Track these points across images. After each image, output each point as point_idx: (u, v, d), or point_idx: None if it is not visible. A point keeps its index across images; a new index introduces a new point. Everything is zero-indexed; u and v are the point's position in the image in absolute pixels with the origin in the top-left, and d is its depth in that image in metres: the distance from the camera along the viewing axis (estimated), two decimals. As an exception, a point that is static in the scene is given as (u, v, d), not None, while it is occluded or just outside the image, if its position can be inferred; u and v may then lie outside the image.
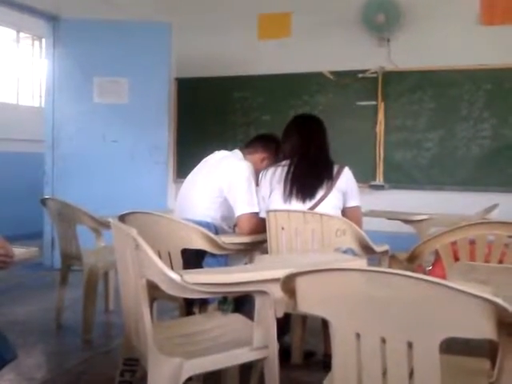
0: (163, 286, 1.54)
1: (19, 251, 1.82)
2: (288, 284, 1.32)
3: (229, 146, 2.93)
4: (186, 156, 5.60)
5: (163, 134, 4.95)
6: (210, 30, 5.86)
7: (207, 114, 5.95)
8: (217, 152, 2.79)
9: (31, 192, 4.93)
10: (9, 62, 6.74)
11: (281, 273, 1.34)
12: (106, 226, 2.80)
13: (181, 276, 1.51)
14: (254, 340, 1.66)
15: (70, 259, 3.18)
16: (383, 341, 1.17)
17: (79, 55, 4.69)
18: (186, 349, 1.73)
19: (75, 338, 3.03)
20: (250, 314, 2.08)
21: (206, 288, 1.54)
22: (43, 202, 3.36)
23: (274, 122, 5.49)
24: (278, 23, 5.74)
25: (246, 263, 2.61)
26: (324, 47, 5.54)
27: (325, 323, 2.39)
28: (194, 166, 2.79)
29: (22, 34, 6.86)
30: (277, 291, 1.41)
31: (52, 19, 4.74)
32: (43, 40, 6.47)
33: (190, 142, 5.88)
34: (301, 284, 1.29)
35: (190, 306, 2.32)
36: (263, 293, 1.62)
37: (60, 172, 4.72)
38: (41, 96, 6.81)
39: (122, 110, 4.77)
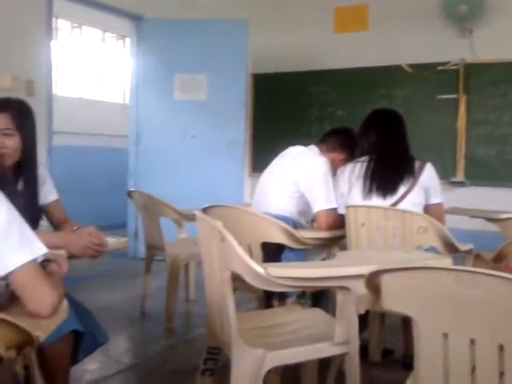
0: (247, 278, 1.58)
1: (111, 241, 1.93)
2: (372, 281, 1.33)
3: (303, 141, 2.91)
4: (262, 151, 5.67)
5: (240, 129, 5.02)
6: (286, 25, 5.88)
7: (282, 109, 5.99)
8: (292, 148, 2.79)
9: (115, 185, 5.17)
10: (96, 60, 7.09)
11: (365, 269, 1.34)
12: (189, 218, 2.90)
13: (265, 269, 1.55)
14: (336, 335, 1.68)
15: (154, 250, 3.32)
16: (472, 342, 1.16)
17: (161, 53, 4.85)
18: (267, 340, 1.77)
19: (158, 326, 3.17)
20: (326, 309, 2.10)
21: (289, 282, 1.57)
22: (129, 194, 3.53)
23: (350, 116, 5.44)
24: (354, 16, 5.68)
25: (323, 259, 2.62)
26: (402, 39, 5.41)
27: (405, 322, 2.36)
28: (270, 160, 2.82)
29: (107, 34, 7.18)
30: (359, 287, 1.42)
31: (136, 19, 4.94)
32: (127, 39, 6.77)
33: (265, 136, 5.94)
34: (386, 281, 1.29)
35: (269, 299, 2.37)
36: (345, 289, 1.62)
37: (142, 166, 4.90)
38: (125, 93, 7.11)
39: (201, 105, 4.88)
